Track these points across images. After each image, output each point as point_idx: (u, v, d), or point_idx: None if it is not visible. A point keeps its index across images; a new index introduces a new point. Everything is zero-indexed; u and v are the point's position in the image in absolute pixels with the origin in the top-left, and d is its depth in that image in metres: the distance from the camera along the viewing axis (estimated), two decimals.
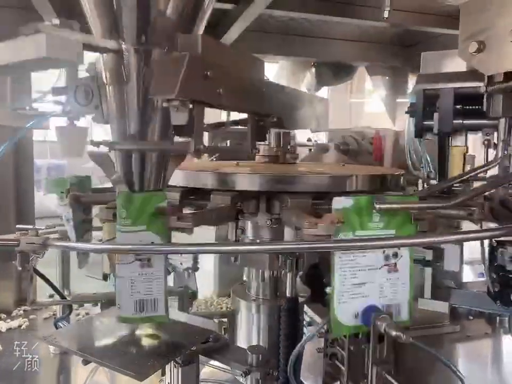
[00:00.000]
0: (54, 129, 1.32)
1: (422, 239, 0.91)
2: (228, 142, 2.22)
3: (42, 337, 1.10)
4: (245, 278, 1.82)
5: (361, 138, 2.20)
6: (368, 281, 1.03)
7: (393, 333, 0.93)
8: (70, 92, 1.08)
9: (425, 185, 1.40)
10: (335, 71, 3.08)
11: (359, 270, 1.02)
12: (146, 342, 1.13)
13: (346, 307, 1.02)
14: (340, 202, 0.97)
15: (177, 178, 1.31)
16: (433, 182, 1.40)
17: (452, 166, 1.28)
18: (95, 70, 1.05)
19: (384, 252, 1.01)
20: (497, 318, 2.28)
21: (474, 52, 1.09)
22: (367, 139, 2.19)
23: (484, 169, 1.15)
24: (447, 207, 0.95)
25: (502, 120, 1.13)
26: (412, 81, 3.10)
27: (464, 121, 1.24)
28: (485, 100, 1.14)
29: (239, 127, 1.33)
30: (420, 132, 1.30)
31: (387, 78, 3.15)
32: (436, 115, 1.26)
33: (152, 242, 1.03)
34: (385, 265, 1.03)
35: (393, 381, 0.95)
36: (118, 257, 1.06)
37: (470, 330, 2.20)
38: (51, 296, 2.14)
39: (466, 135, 1.30)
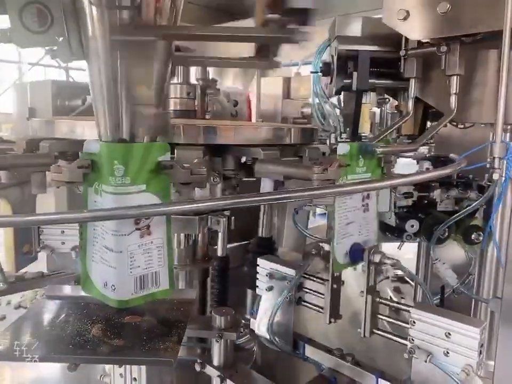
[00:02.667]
0: None
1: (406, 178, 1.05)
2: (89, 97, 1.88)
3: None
4: None
5: (226, 99, 2.23)
6: (353, 221, 1.12)
7: (389, 262, 1.07)
8: (11, 11, 0.76)
9: (339, 138, 1.57)
10: None
11: (348, 211, 1.10)
12: (132, 325, 0.94)
13: (341, 247, 1.09)
14: (342, 148, 1.02)
15: None
16: (344, 135, 1.57)
17: (362, 120, 1.48)
18: None
19: (362, 194, 1.12)
20: None
21: (401, 19, 1.27)
22: (231, 101, 2.23)
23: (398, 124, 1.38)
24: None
25: (413, 80, 1.37)
26: None
27: (376, 81, 1.44)
28: (402, 62, 1.35)
29: None
30: (340, 90, 1.44)
31: None
32: (355, 74, 1.41)
33: None
34: (362, 205, 1.14)
35: None
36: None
37: None
38: None
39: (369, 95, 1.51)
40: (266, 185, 1.15)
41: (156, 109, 0.84)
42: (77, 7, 0.76)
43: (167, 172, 0.85)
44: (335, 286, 1.15)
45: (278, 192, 0.97)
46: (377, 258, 1.06)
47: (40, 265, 1.73)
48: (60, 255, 1.58)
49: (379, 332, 1.09)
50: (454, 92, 1.29)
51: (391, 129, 1.37)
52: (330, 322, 1.17)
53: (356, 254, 1.11)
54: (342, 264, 1.13)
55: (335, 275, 1.16)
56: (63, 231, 1.55)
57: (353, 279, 2.23)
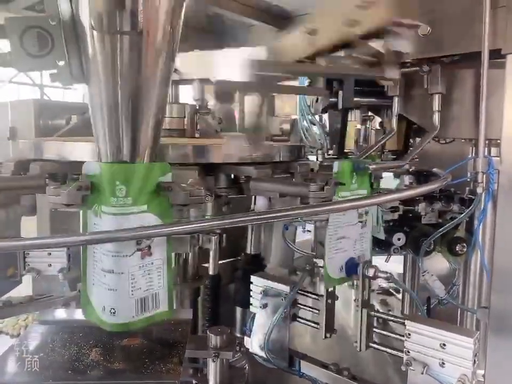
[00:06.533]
0: None
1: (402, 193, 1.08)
2: (74, 117, 1.87)
3: None
4: None
5: (211, 117, 2.24)
6: (346, 237, 1.15)
7: (383, 275, 1.09)
8: (11, 35, 0.76)
9: (326, 155, 1.60)
10: None
11: (339, 227, 1.13)
12: (131, 347, 0.93)
13: (333, 262, 1.11)
14: (337, 166, 1.05)
15: None
16: (330, 151, 1.61)
17: (348, 137, 1.52)
18: (57, 10, 0.78)
19: (358, 210, 1.14)
20: None
21: None
22: (216, 118, 2.24)
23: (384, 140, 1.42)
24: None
25: (396, 98, 1.42)
26: None
27: (361, 99, 1.49)
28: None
29: None
30: (326, 108, 1.48)
31: None
32: (340, 93, 1.46)
33: None
34: (359, 221, 1.17)
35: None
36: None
37: None
38: None
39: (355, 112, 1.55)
40: (261, 203, 1.17)
41: (157, 130, 0.85)
42: (77, 32, 0.77)
43: (166, 193, 0.85)
44: (329, 301, 1.17)
45: (283, 210, 0.98)
46: (371, 272, 1.09)
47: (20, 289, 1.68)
48: (46, 278, 1.55)
49: (374, 345, 1.11)
50: (437, 109, 1.34)
51: (377, 146, 1.42)
52: (326, 337, 1.18)
53: (351, 268, 1.13)
54: (334, 279, 1.15)
55: (330, 290, 1.17)
56: (50, 253, 1.52)
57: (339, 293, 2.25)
